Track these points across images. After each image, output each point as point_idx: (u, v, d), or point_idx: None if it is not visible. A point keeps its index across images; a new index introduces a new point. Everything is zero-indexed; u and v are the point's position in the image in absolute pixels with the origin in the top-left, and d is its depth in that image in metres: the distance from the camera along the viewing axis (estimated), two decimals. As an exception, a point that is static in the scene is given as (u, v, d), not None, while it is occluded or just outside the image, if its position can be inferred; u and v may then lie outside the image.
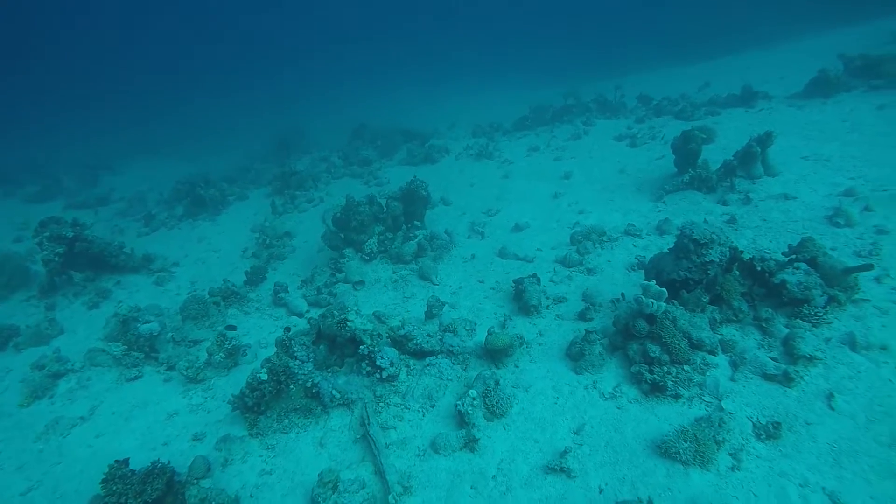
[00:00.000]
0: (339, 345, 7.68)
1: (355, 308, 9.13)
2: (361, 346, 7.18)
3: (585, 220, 12.01)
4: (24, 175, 26.49)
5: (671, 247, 7.68)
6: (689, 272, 7.21)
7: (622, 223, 11.41)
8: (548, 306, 8.89)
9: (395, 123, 25.40)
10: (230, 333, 8.44)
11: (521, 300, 8.83)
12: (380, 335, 7.56)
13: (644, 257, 9.66)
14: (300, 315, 10.16)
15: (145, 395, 8.22)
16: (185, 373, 8.15)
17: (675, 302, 7.14)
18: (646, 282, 6.82)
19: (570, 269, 10.07)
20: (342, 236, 11.79)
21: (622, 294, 8.58)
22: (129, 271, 13.38)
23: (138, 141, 36.25)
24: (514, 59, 53.08)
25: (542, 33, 66.11)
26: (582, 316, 8.37)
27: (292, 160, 24.17)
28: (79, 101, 57.83)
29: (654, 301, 6.64)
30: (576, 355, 7.23)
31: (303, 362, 7.44)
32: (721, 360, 6.57)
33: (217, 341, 8.30)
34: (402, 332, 7.53)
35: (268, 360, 7.27)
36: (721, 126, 15.55)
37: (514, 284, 9.30)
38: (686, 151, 12.15)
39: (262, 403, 6.91)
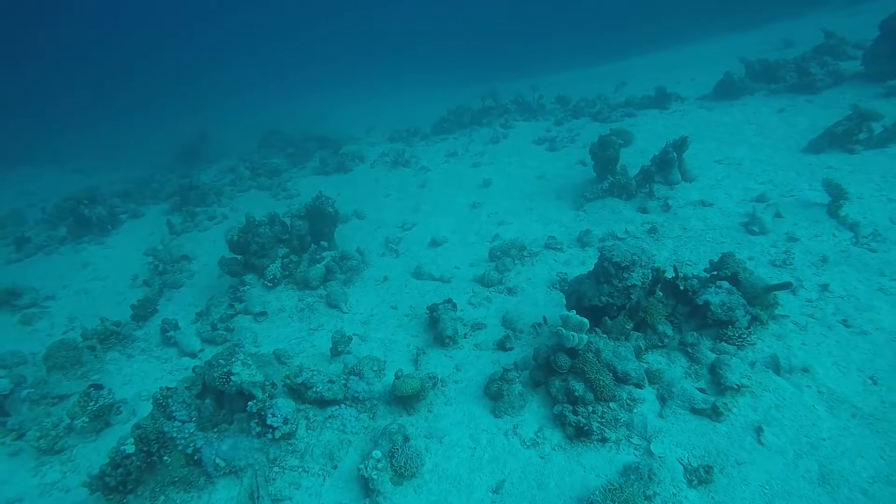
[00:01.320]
0: (228, 398, 6.63)
1: (248, 351, 8.12)
2: (250, 403, 6.18)
3: (505, 232, 11.47)
4: None
5: (591, 269, 7.19)
6: (610, 297, 6.72)
7: (543, 235, 10.96)
8: (465, 335, 8.21)
9: (310, 129, 24.12)
10: (94, 393, 7.15)
11: (436, 329, 8.10)
12: (274, 384, 6.58)
13: (566, 274, 9.19)
14: (193, 355, 8.94)
15: (-17, 476, 6.80)
16: (36, 444, 6.80)
17: (598, 330, 6.64)
18: (566, 312, 6.27)
19: (490, 290, 9.46)
20: (241, 260, 10.61)
21: (544, 318, 8.08)
22: (-10, 309, 11.54)
23: (15, 148, 32.60)
24: (436, 57, 52.47)
25: (462, 28, 65.87)
26: (501, 345, 7.75)
27: (196, 171, 22.40)
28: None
29: (574, 334, 6.09)
30: (494, 395, 6.57)
31: (183, 423, 6.35)
32: (648, 393, 6.11)
33: (80, 402, 6.99)
34: (299, 379, 6.59)
35: (138, 425, 6.13)
36: (638, 128, 15.57)
37: (428, 311, 8.56)
38: (604, 157, 11.88)
39: (129, 481, 5.78)
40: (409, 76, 44.65)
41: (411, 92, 37.43)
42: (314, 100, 41.11)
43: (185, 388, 6.96)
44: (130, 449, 5.75)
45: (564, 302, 7.58)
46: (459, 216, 12.77)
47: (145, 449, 5.86)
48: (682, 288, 6.85)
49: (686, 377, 6.24)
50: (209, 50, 77.66)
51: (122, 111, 47.70)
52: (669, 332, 6.71)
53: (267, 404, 6.13)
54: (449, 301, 8.55)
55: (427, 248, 11.44)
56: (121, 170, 26.41)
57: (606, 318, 6.81)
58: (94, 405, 6.94)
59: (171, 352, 9.13)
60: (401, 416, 6.61)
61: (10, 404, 7.96)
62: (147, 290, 11.64)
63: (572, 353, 6.24)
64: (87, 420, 6.91)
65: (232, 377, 6.18)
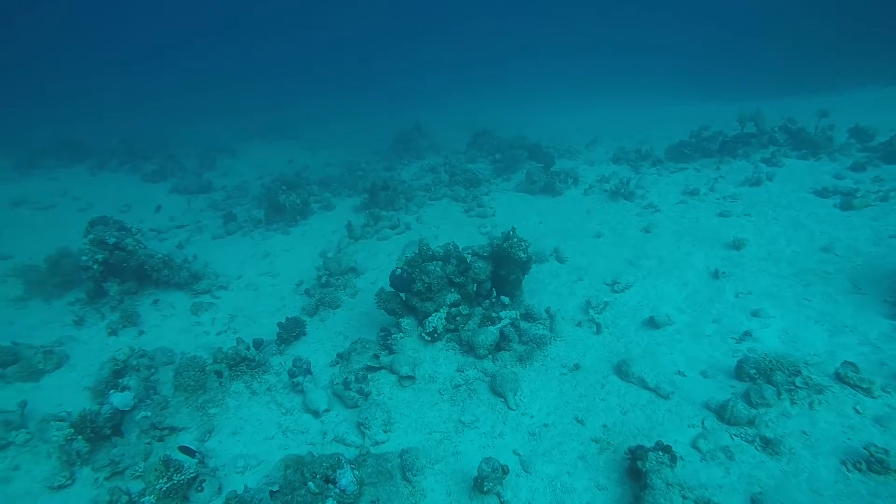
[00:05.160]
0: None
1: (374, 439, 5.91)
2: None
3: (763, 331, 7.67)
4: (154, 151, 26.78)
5: None
6: None
7: (829, 351, 7.01)
8: (687, 517, 5.01)
9: (523, 134, 21.80)
10: (180, 458, 5.65)
11: (640, 497, 5.04)
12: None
13: (884, 452, 5.29)
14: (316, 414, 7.18)
15: (58, 526, 5.76)
16: (107, 508, 5.54)
17: None
18: None
19: (732, 432, 6.00)
20: (402, 298, 8.67)
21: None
22: (175, 287, 11.49)
23: (267, 124, 36.39)
24: (684, 62, 46.20)
25: (713, 30, 57.52)
26: (754, 572, 4.44)
27: (402, 164, 21.76)
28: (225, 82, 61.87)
29: None
30: None
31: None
32: None
33: (155, 471, 5.54)
34: (410, 555, 4.20)
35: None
36: None
37: (629, 456, 5.53)
38: (966, 246, 7.33)
39: None
40: (647, 81, 39.80)
41: (649, 101, 32.90)
42: (538, 104, 38.96)
43: (270, 491, 5.07)
44: None
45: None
46: (693, 286, 9.20)
47: None
48: None
49: None
50: (447, 46, 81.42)
51: (356, 90, 51.56)
52: None
53: None
54: (666, 450, 5.39)
55: (640, 329, 8.22)
56: (339, 150, 27.38)
57: None
58: (165, 482, 5.40)
59: (295, 401, 7.51)
60: None
61: (126, 424, 7.08)
62: (307, 301, 10.48)
63: None
64: (154, 500, 5.42)
65: (304, 543, 4.01)
